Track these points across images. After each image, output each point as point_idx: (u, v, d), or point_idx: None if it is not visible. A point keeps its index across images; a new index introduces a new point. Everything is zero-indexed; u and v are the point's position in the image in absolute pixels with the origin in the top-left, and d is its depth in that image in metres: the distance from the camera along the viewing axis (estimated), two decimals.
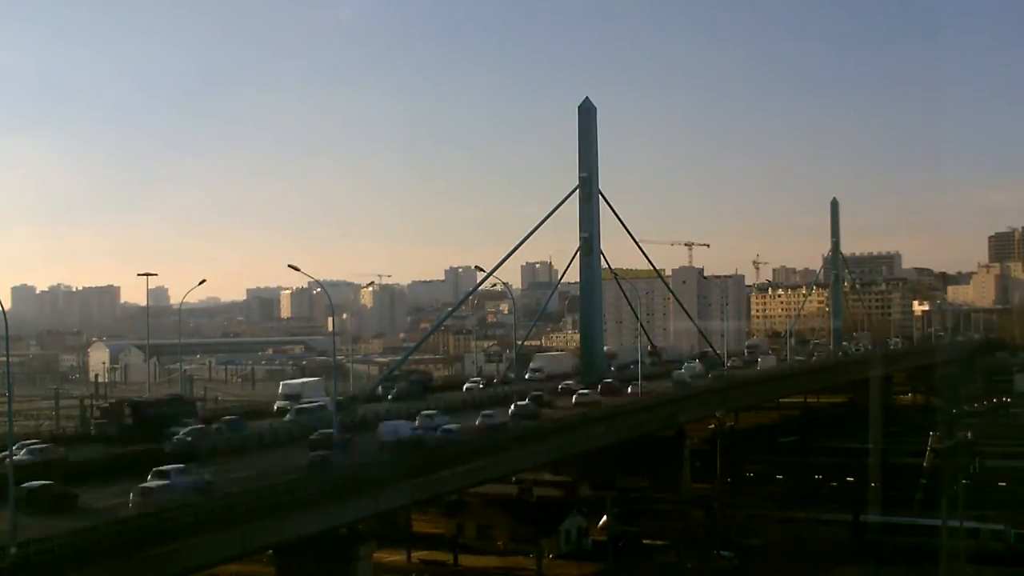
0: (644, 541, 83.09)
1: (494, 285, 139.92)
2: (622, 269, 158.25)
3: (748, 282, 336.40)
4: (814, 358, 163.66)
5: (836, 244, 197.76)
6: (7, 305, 51.27)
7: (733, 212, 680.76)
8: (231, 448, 60.12)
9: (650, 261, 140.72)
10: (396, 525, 79.03)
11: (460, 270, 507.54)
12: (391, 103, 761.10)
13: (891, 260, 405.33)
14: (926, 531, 74.80)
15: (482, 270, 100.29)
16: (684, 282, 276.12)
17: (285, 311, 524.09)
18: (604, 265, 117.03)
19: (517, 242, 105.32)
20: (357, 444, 59.98)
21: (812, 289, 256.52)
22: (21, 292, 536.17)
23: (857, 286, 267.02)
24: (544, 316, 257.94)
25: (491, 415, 72.32)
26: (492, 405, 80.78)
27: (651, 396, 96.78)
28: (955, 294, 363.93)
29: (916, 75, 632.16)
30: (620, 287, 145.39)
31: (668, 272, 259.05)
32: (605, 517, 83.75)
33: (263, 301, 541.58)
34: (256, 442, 64.16)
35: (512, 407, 76.75)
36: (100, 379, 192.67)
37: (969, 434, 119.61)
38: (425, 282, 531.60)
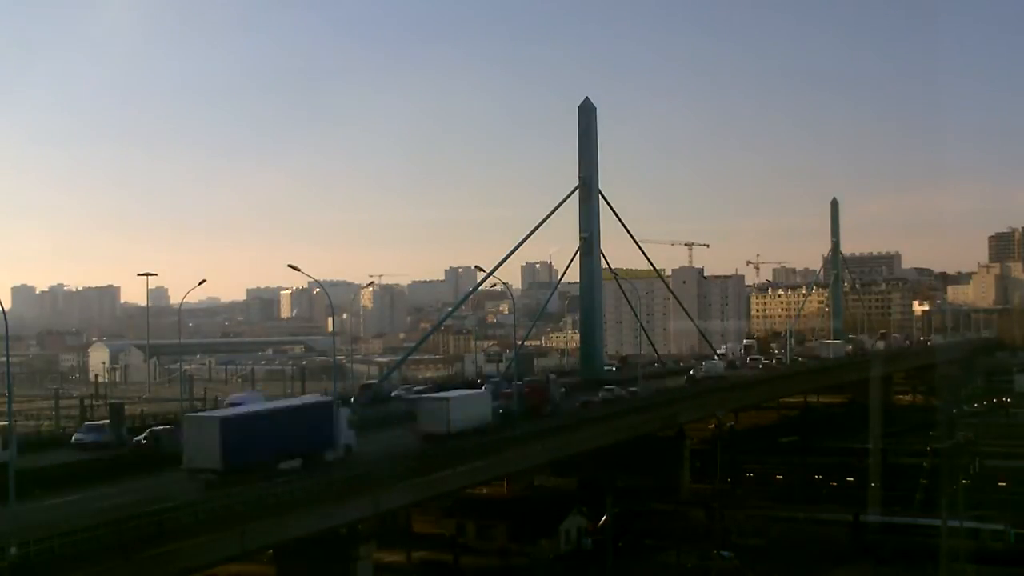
0: (644, 541, 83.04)
1: (494, 285, 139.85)
2: (622, 269, 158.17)
3: (748, 282, 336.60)
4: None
5: (836, 244, 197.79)
6: (7, 305, 51.28)
7: (733, 212, 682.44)
8: None
9: (650, 261, 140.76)
10: (396, 525, 78.93)
11: (460, 270, 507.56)
12: (391, 103, 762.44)
13: (891, 260, 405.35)
14: (926, 531, 74.77)
15: (482, 270, 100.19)
16: (684, 282, 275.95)
17: (285, 311, 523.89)
18: (604, 265, 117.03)
19: (517, 242, 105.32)
20: None
21: (812, 289, 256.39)
22: (21, 292, 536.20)
23: (857, 286, 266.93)
24: (544, 316, 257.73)
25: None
26: None
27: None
28: (955, 294, 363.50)
29: (917, 76, 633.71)
30: (620, 287, 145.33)
31: (668, 272, 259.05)
32: (605, 517, 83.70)
33: (263, 301, 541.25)
34: None
35: None
36: (100, 379, 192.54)
37: (969, 434, 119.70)
38: (425, 282, 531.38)
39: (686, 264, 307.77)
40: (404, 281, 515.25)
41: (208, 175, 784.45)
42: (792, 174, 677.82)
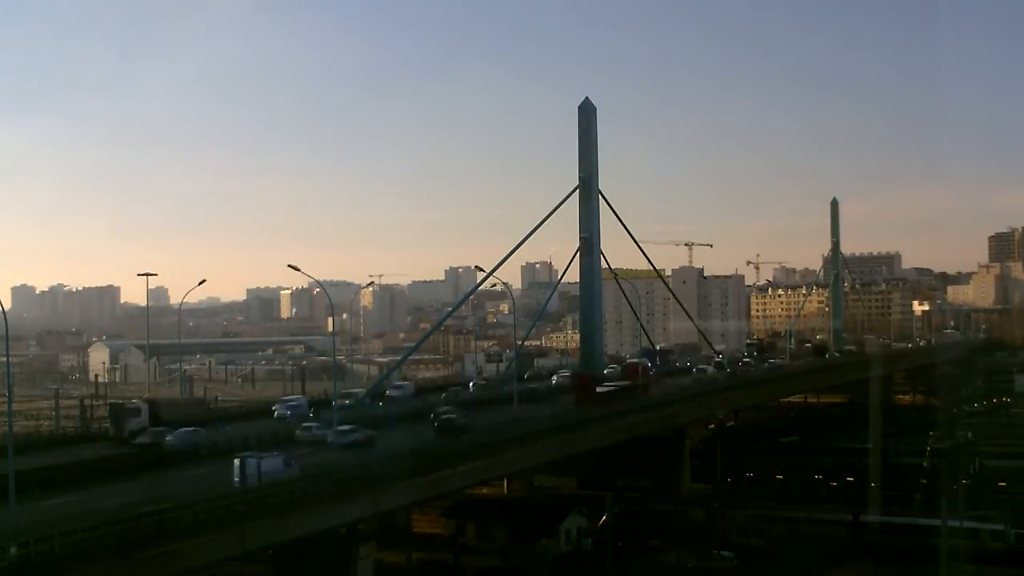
0: (644, 541, 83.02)
1: (494, 285, 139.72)
2: (622, 269, 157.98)
3: (748, 282, 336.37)
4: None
5: (836, 244, 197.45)
6: (7, 305, 51.35)
7: (733, 212, 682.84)
8: None
9: (650, 261, 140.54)
10: (396, 525, 78.91)
11: (460, 270, 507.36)
12: (392, 103, 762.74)
13: (891, 260, 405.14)
14: (926, 531, 74.77)
15: (482, 270, 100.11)
16: (684, 282, 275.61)
17: (285, 311, 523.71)
18: (604, 265, 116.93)
19: (517, 242, 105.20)
20: None
21: (812, 289, 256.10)
22: (21, 292, 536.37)
23: (857, 286, 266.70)
24: (544, 316, 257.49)
25: None
26: None
27: None
28: (955, 294, 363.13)
29: (917, 76, 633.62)
30: (620, 287, 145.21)
31: (668, 272, 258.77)
32: (605, 517, 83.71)
33: (263, 301, 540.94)
34: None
35: None
36: (100, 379, 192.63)
37: (969, 434, 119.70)
38: (425, 282, 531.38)
39: (686, 264, 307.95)
40: (404, 281, 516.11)
41: (208, 175, 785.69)
42: (792, 174, 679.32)
